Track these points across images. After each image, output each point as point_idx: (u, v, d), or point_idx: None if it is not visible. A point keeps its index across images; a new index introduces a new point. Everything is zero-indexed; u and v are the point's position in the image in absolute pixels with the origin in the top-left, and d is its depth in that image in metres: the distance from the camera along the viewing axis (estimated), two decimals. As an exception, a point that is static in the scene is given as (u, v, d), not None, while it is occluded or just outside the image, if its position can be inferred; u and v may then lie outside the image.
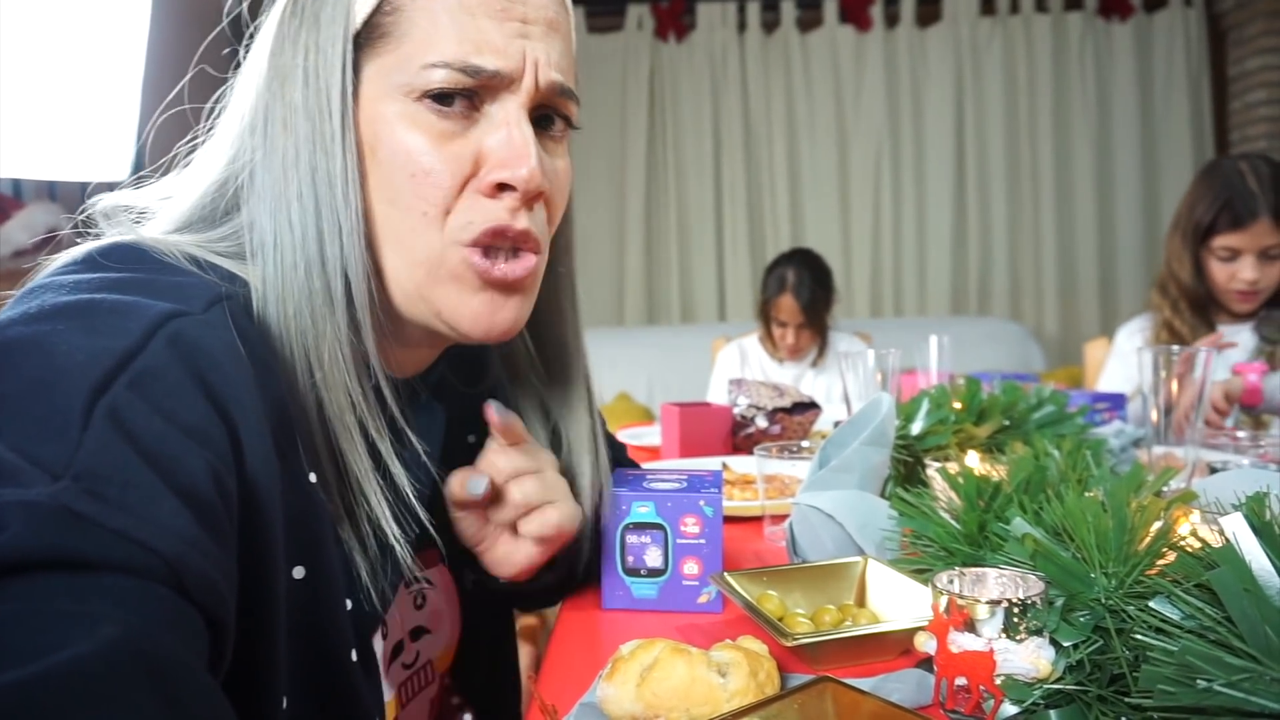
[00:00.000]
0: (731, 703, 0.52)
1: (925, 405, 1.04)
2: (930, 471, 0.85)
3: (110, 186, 0.59)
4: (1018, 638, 0.49)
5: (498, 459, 0.65)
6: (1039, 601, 0.50)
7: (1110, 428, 1.26)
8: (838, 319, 2.65)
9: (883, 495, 0.86)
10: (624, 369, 3.58)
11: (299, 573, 0.51)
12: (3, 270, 2.02)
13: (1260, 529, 0.46)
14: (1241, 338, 1.67)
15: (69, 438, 0.37)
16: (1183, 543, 0.51)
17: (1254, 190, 1.61)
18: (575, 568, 0.75)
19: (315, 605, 0.52)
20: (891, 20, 4.27)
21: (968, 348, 3.00)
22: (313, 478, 0.52)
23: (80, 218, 0.58)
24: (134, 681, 0.33)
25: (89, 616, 0.33)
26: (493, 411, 0.65)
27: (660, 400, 2.73)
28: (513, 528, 0.67)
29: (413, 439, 0.57)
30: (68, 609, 0.33)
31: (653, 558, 0.74)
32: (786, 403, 1.52)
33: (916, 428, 1.00)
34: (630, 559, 0.74)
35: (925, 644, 0.54)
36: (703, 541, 0.73)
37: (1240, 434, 1.12)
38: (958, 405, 1.05)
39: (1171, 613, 0.46)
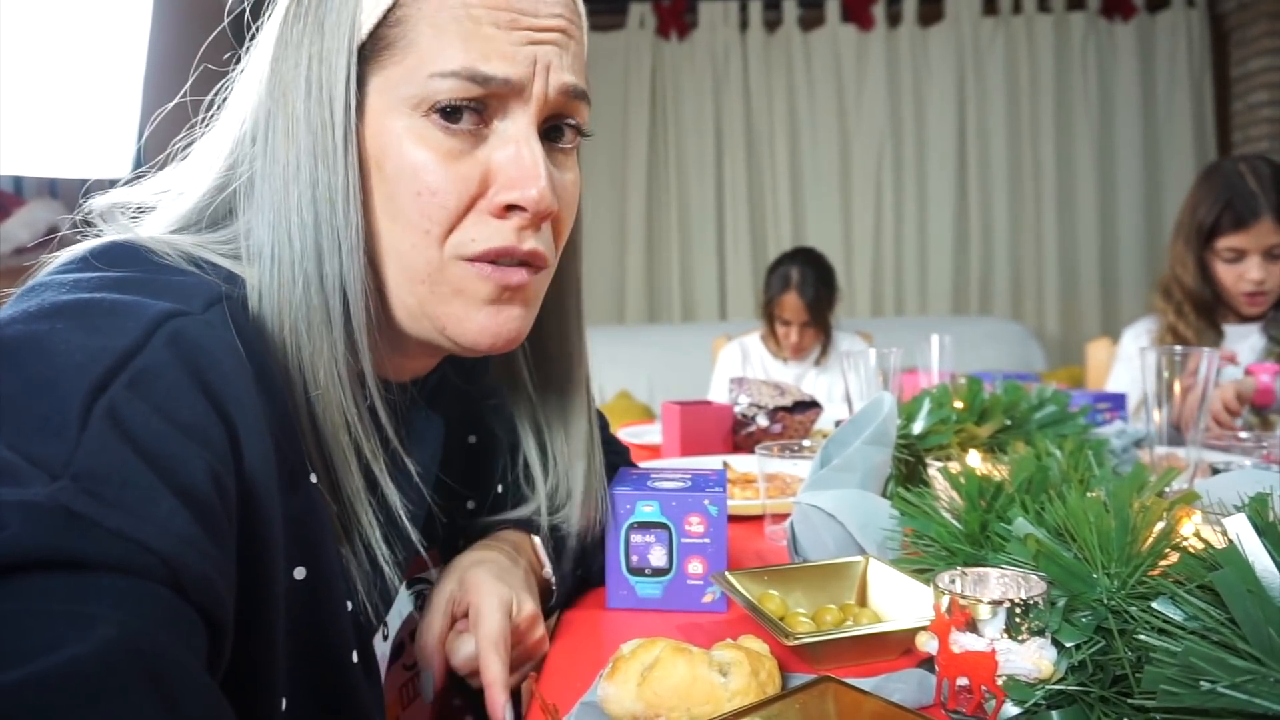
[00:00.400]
0: (733, 702, 0.52)
1: (927, 405, 1.04)
2: (932, 471, 0.85)
3: (111, 184, 0.59)
4: (1020, 638, 0.49)
5: (465, 648, 0.63)
6: (1041, 602, 0.50)
7: (1112, 428, 1.26)
8: (839, 318, 2.65)
9: (884, 495, 0.86)
10: (625, 367, 3.58)
11: (300, 573, 0.50)
12: (3, 267, 2.02)
13: (1263, 530, 0.46)
14: (1250, 340, 1.67)
15: (67, 437, 0.37)
16: (1185, 544, 0.51)
17: (1254, 190, 1.61)
18: (581, 574, 0.75)
19: (316, 606, 0.52)
20: (894, 19, 4.27)
21: (969, 347, 3.00)
22: (313, 478, 0.52)
23: (79, 216, 0.57)
24: (131, 681, 0.33)
25: (86, 616, 0.33)
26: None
27: (661, 399, 2.73)
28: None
29: (407, 462, 0.57)
30: (65, 609, 0.33)
31: (657, 557, 0.74)
32: (788, 401, 1.52)
33: (918, 427, 1.00)
34: (635, 558, 0.74)
35: (927, 644, 0.54)
36: (707, 541, 0.73)
37: (1243, 435, 1.12)
38: (959, 405, 1.05)
39: (1174, 614, 0.46)
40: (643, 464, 1.13)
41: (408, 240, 0.54)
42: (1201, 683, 0.41)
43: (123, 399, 0.39)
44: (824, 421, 1.61)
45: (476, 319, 0.56)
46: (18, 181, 2.27)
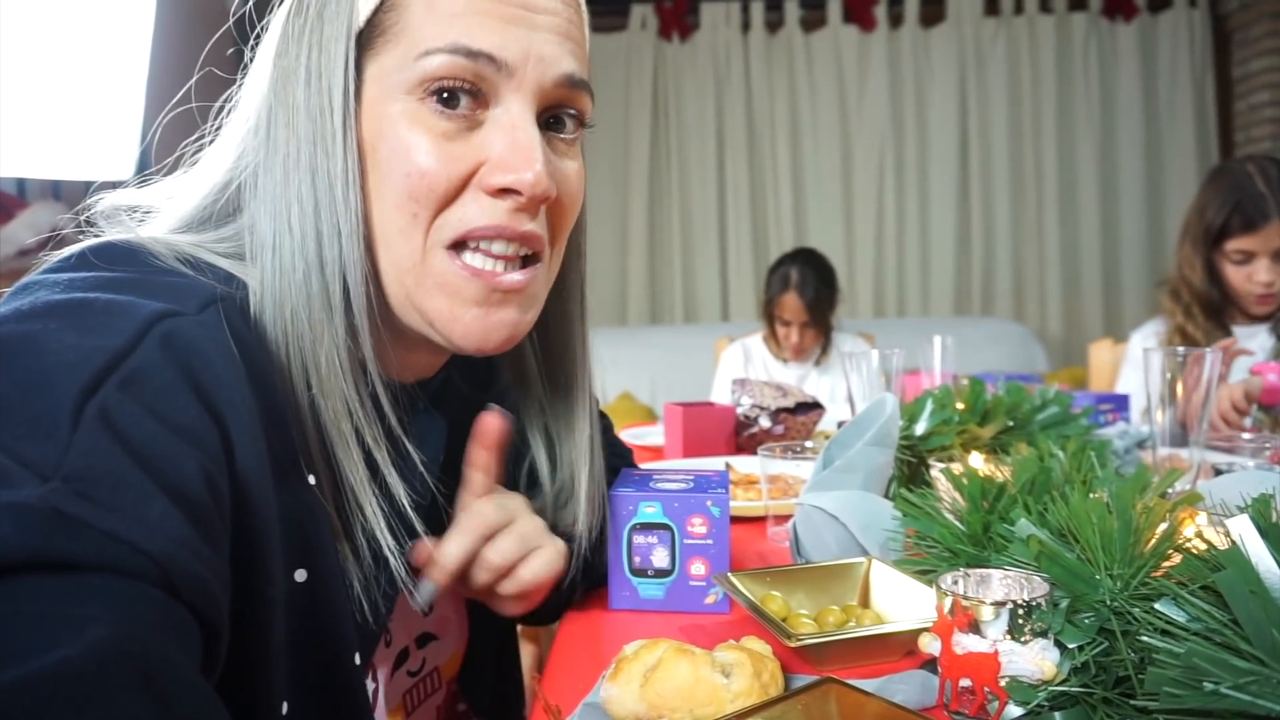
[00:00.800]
0: (735, 703, 0.52)
1: (929, 406, 1.04)
2: (934, 472, 0.85)
3: (115, 186, 0.59)
4: (1022, 639, 0.49)
5: (454, 541, 0.61)
6: (1044, 603, 0.50)
7: (1114, 429, 1.26)
8: (841, 319, 2.65)
9: (886, 496, 0.86)
10: (627, 369, 3.58)
11: (300, 576, 0.50)
12: (7, 269, 2.03)
13: (1267, 531, 0.46)
14: (1258, 339, 1.67)
15: (58, 439, 0.37)
16: (1188, 545, 0.51)
17: (1263, 192, 1.61)
18: (576, 587, 0.75)
19: (317, 608, 0.51)
20: (895, 20, 4.27)
21: (971, 349, 3.00)
22: (312, 480, 0.52)
23: (82, 217, 0.57)
24: (123, 682, 0.33)
25: (78, 618, 0.33)
26: (490, 420, 0.63)
27: (663, 400, 2.73)
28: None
29: (410, 449, 0.56)
30: (57, 610, 0.33)
31: (660, 558, 0.74)
32: (790, 403, 1.52)
33: (920, 428, 1.00)
34: (637, 559, 0.74)
35: (930, 645, 0.54)
36: (710, 542, 0.73)
37: (1246, 435, 1.12)
38: (961, 406, 1.05)
39: (1177, 615, 0.46)
40: (645, 465, 1.13)
41: (395, 224, 0.54)
42: (1205, 684, 0.41)
43: (114, 400, 0.39)
44: (826, 423, 1.61)
45: (463, 319, 0.55)
46: (21, 183, 2.27)
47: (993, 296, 4.31)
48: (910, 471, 0.98)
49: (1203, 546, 0.49)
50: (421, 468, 0.57)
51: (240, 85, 0.60)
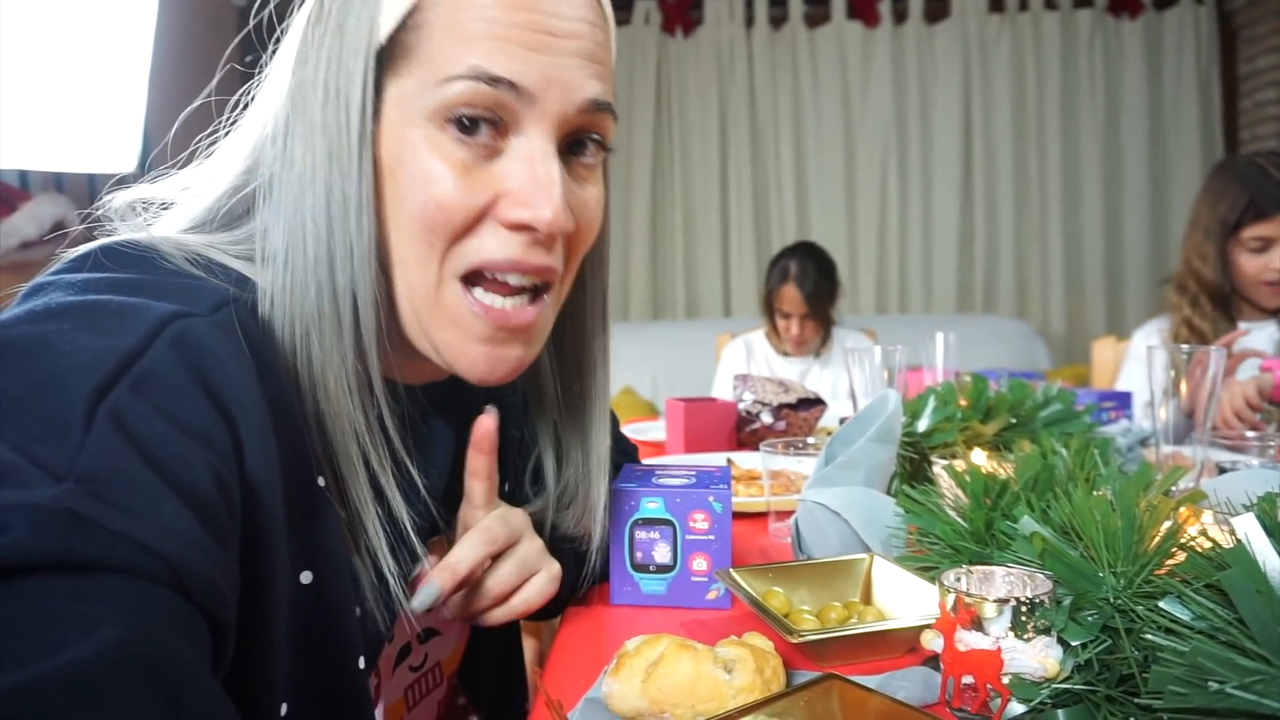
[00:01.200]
0: (737, 699, 0.52)
1: (931, 402, 1.04)
2: (937, 469, 0.85)
3: (119, 180, 0.59)
4: (1025, 636, 0.49)
5: (465, 551, 0.61)
6: (1047, 600, 0.50)
7: (1117, 426, 1.26)
8: (843, 316, 2.65)
9: (889, 492, 0.86)
10: (629, 364, 3.58)
11: (306, 577, 0.50)
12: (10, 262, 2.03)
13: (1272, 529, 0.45)
14: (1266, 332, 1.67)
15: (71, 440, 0.37)
16: (1192, 543, 0.51)
17: (1278, 180, 1.62)
18: (578, 589, 0.75)
19: (322, 611, 0.51)
20: (899, 16, 4.26)
21: (973, 346, 3.00)
22: (321, 481, 0.51)
23: (96, 213, 0.57)
24: (135, 683, 0.33)
25: (90, 618, 0.33)
26: (485, 422, 0.62)
27: (665, 395, 2.73)
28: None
29: (414, 475, 0.56)
30: (69, 610, 0.33)
31: (661, 554, 0.74)
32: (792, 398, 1.51)
33: (923, 425, 1.00)
34: (639, 555, 0.74)
35: (932, 642, 0.54)
36: (712, 538, 0.73)
37: (1250, 433, 1.11)
38: (964, 403, 1.05)
39: (1181, 613, 0.46)
40: (647, 460, 1.13)
41: (411, 251, 0.53)
42: (1209, 683, 0.41)
43: (126, 401, 0.39)
44: (828, 419, 1.61)
45: (471, 354, 0.55)
46: (23, 176, 2.27)
47: (995, 293, 4.30)
48: (913, 468, 0.98)
49: (1207, 545, 0.48)
50: (425, 492, 0.57)
51: (257, 82, 0.59)
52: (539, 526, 0.70)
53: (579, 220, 0.56)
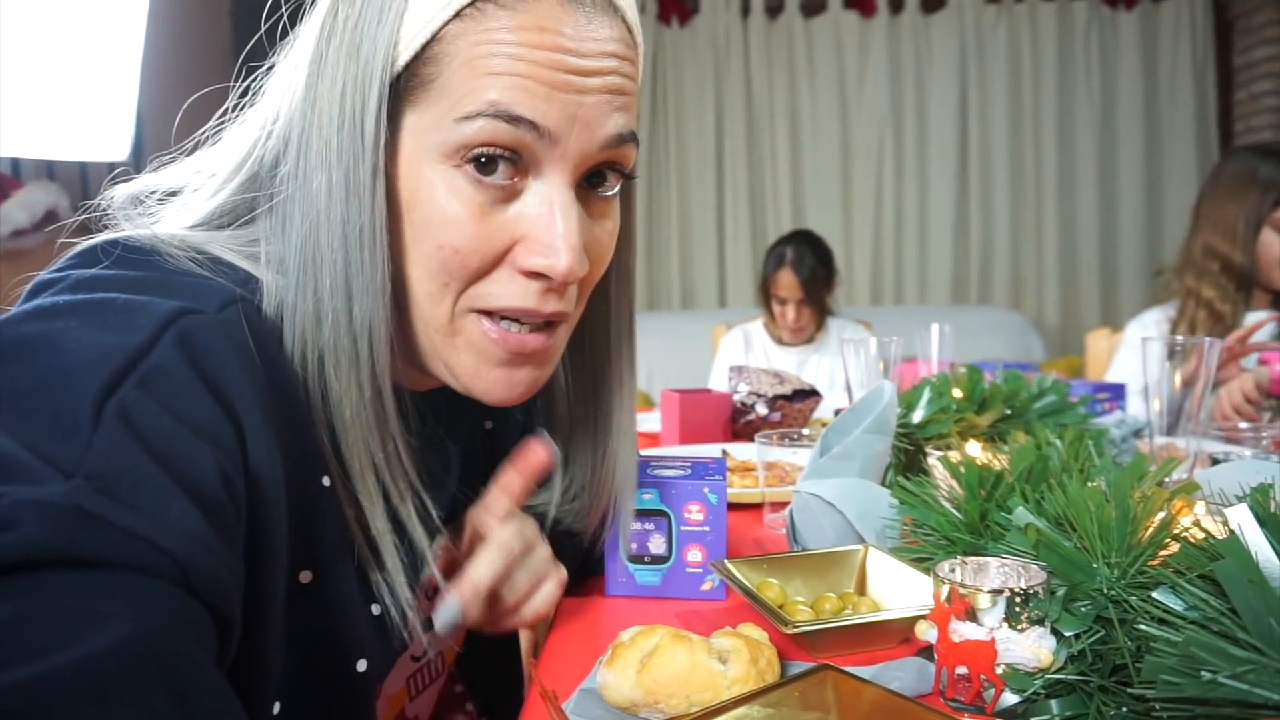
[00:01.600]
0: (732, 690, 0.52)
1: (926, 394, 1.04)
2: (931, 460, 0.85)
3: (110, 167, 0.58)
4: (1019, 627, 0.49)
5: (486, 569, 0.61)
6: (1041, 591, 0.50)
7: (1111, 418, 1.26)
8: (839, 306, 2.66)
9: (884, 483, 0.86)
10: (624, 355, 3.57)
11: (305, 577, 0.50)
12: (2, 250, 2.02)
13: (1265, 520, 0.46)
14: (1265, 329, 1.67)
15: (79, 437, 0.37)
16: (1186, 534, 0.51)
17: None
18: (581, 575, 0.75)
19: (321, 611, 0.51)
20: (896, 6, 4.24)
21: (968, 337, 3.00)
22: (325, 481, 0.51)
23: (99, 204, 0.56)
24: (145, 678, 0.33)
25: (100, 614, 0.34)
26: (537, 448, 0.62)
27: (660, 386, 2.73)
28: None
29: (428, 502, 0.55)
30: (78, 606, 0.34)
31: (656, 545, 0.74)
32: (787, 390, 1.52)
33: (918, 416, 1.00)
34: (634, 546, 0.74)
35: (926, 632, 0.54)
36: (707, 529, 0.73)
37: (1243, 424, 1.12)
38: (959, 394, 1.05)
39: (1174, 603, 0.46)
40: (642, 451, 1.13)
41: (425, 289, 0.53)
42: (1202, 672, 0.41)
43: (133, 398, 0.39)
44: (824, 410, 1.61)
45: (488, 377, 0.55)
46: (15, 164, 2.26)
47: (990, 285, 4.31)
48: (907, 459, 0.98)
49: (1200, 535, 0.49)
50: (438, 520, 0.57)
51: (263, 77, 0.58)
52: (540, 520, 0.70)
53: (591, 259, 0.55)
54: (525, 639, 1.52)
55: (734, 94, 4.29)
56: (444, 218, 0.51)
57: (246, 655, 0.44)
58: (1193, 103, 4.15)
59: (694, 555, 0.73)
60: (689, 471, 0.76)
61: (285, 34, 0.57)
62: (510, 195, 0.52)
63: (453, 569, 0.66)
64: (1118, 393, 1.49)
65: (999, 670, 0.49)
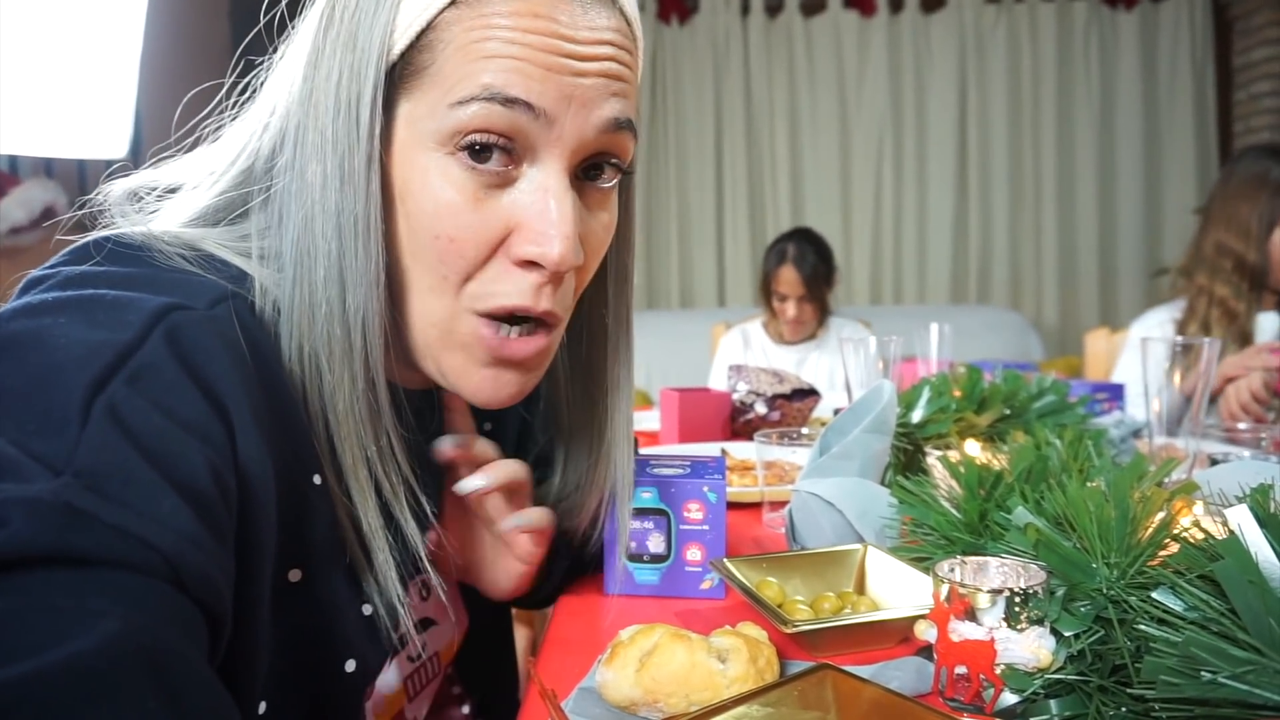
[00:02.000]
0: (731, 689, 0.52)
1: (926, 393, 1.04)
2: (931, 460, 0.85)
3: (108, 164, 0.58)
4: (1019, 627, 0.49)
5: (507, 467, 0.64)
6: (1040, 591, 0.50)
7: (1110, 418, 1.26)
8: (839, 305, 2.66)
9: (883, 483, 0.86)
10: (623, 354, 3.56)
11: (294, 575, 0.50)
12: (1, 247, 2.01)
13: (1265, 521, 0.45)
14: (1276, 325, 1.67)
15: (68, 434, 0.37)
16: (1185, 534, 0.51)
17: None
18: (571, 576, 0.75)
19: (310, 610, 0.51)
20: (896, 6, 4.24)
21: (967, 337, 3.00)
22: (316, 480, 0.51)
23: (94, 201, 0.56)
24: (135, 675, 0.33)
25: (90, 611, 0.34)
26: (448, 448, 0.63)
27: (659, 385, 2.73)
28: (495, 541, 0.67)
29: (422, 499, 0.55)
30: (68, 604, 0.33)
31: (655, 544, 0.74)
32: (786, 389, 1.52)
33: (917, 415, 1.00)
34: (633, 544, 0.74)
35: (926, 632, 0.54)
36: (706, 528, 0.73)
37: (1242, 425, 1.12)
38: (958, 394, 1.05)
39: (1174, 604, 0.46)
40: (641, 450, 1.13)
41: (425, 281, 0.52)
42: (1201, 673, 0.41)
43: (123, 395, 0.39)
44: (823, 409, 1.61)
45: (474, 377, 0.55)
46: (13, 161, 2.25)
47: (989, 284, 4.31)
48: (907, 459, 0.98)
49: (1200, 536, 0.49)
50: (432, 516, 0.57)
51: (262, 73, 0.57)
52: None
53: (586, 250, 0.55)
54: (523, 638, 1.52)
55: (733, 93, 4.29)
56: (437, 205, 0.50)
57: (233, 654, 0.44)
58: (1192, 103, 4.15)
59: (693, 554, 0.73)
60: (688, 470, 0.76)
61: (283, 30, 0.57)
62: (504, 182, 0.51)
63: (445, 565, 0.66)
64: (1116, 393, 1.49)
65: (998, 670, 0.49)
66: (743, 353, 2.63)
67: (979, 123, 4.24)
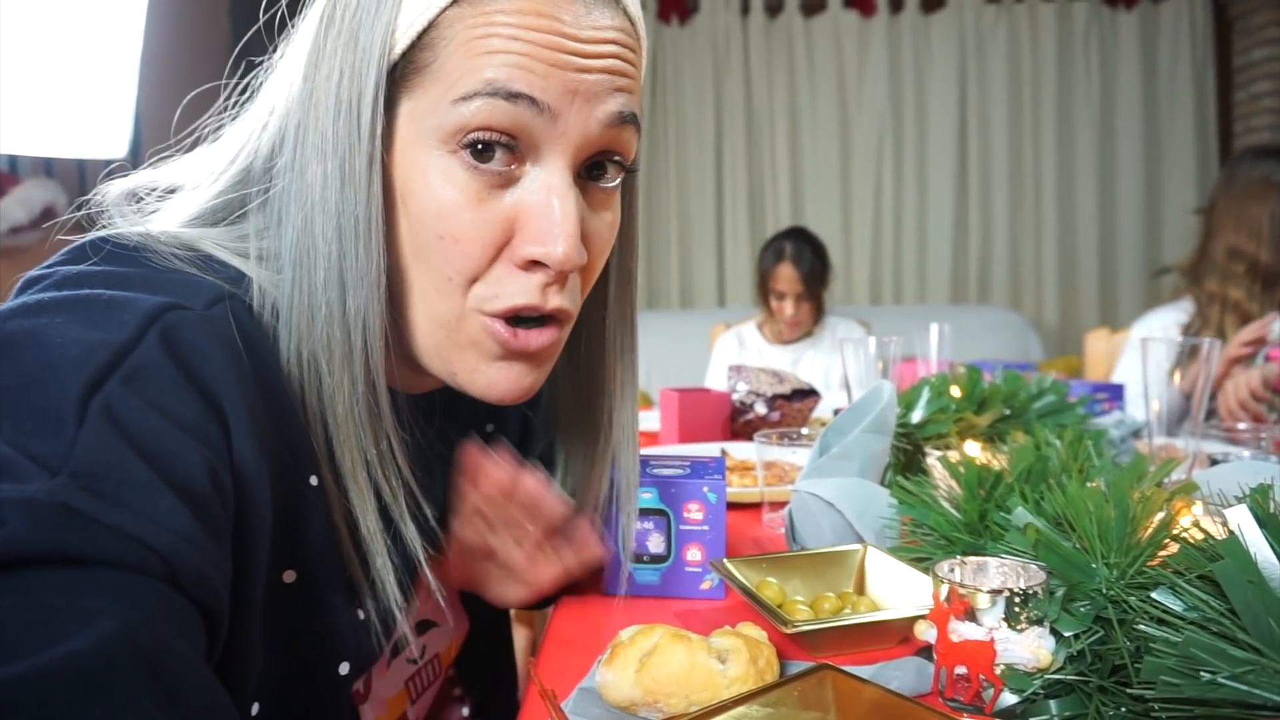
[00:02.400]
0: (731, 689, 0.52)
1: (925, 393, 1.04)
2: (930, 460, 0.85)
3: (107, 164, 0.58)
4: (1018, 627, 0.49)
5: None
6: (1040, 591, 0.50)
7: (1110, 418, 1.26)
8: (836, 304, 2.67)
9: (883, 483, 0.86)
10: (623, 354, 3.56)
11: (289, 576, 0.50)
12: (1, 247, 2.01)
13: (1265, 521, 0.45)
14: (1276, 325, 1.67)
15: (64, 434, 0.37)
16: (1185, 534, 0.51)
17: None
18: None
19: (304, 612, 0.51)
20: (896, 6, 4.24)
21: (967, 337, 3.00)
22: (314, 481, 0.51)
23: (91, 200, 0.55)
24: (132, 675, 0.33)
25: (86, 611, 0.34)
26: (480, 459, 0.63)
27: (659, 385, 2.73)
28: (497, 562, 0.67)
29: (423, 503, 0.55)
30: (65, 604, 0.33)
31: (655, 544, 0.74)
32: (786, 389, 1.52)
33: (917, 416, 1.00)
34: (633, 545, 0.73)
35: (926, 632, 0.54)
36: (706, 528, 0.73)
37: (1242, 425, 1.12)
38: (958, 394, 1.05)
39: (1174, 604, 0.46)
40: (641, 450, 1.13)
41: (430, 283, 0.52)
42: (1201, 673, 0.41)
43: (118, 395, 0.39)
44: (823, 409, 1.61)
45: (486, 373, 0.54)
46: (13, 160, 2.25)
47: (989, 285, 4.31)
48: (906, 459, 0.98)
49: (1200, 536, 0.49)
50: (433, 522, 0.56)
51: (262, 71, 0.57)
52: None
53: (590, 250, 0.54)
54: (522, 638, 1.52)
55: (733, 93, 4.29)
56: (439, 206, 0.50)
57: (226, 654, 0.44)
58: (1192, 103, 4.15)
59: (693, 554, 0.73)
60: (688, 470, 0.76)
61: (283, 29, 0.57)
62: (507, 182, 0.51)
63: (443, 573, 0.66)
64: (1116, 393, 1.49)
65: (998, 670, 0.49)
66: (738, 354, 2.64)
67: (979, 123, 4.24)
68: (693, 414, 1.47)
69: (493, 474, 0.63)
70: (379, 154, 0.50)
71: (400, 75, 0.50)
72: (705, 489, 0.73)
